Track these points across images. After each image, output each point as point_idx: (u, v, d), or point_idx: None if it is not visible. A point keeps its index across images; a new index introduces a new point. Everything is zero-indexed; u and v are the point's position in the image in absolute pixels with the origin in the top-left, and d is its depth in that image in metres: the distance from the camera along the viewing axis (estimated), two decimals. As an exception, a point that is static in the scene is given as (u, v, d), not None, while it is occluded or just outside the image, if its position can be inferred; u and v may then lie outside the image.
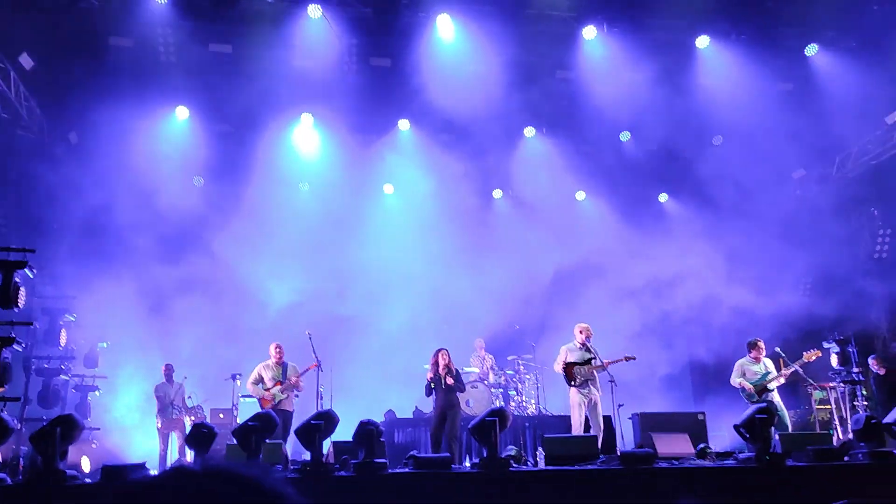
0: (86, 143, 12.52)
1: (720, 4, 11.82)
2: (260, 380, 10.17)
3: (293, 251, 13.53)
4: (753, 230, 13.76)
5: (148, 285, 12.59)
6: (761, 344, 10.59)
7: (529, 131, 14.56)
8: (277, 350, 10.33)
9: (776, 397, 10.22)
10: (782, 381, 10.36)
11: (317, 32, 11.82)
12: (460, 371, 10.26)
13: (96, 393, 11.47)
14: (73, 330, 11.42)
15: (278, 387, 10.08)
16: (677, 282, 14.16)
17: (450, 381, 9.61)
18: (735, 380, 10.54)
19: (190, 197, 13.55)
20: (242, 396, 11.36)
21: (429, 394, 9.80)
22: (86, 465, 10.25)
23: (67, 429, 6.00)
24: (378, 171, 14.50)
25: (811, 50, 12.35)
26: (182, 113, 13.08)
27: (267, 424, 6.43)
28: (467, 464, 9.56)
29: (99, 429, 11.12)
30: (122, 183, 12.27)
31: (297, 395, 10.47)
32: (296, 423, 7.63)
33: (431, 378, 9.72)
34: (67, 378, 11.25)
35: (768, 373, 10.39)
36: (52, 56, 11.27)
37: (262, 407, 9.72)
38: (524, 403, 12.59)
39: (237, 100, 12.29)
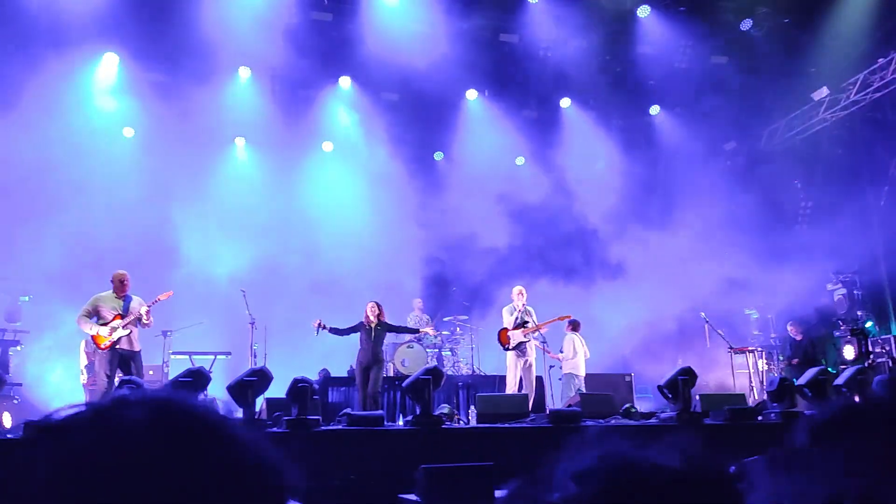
0: (7, 88, 11.87)
1: (662, -26, 11.99)
2: (95, 313, 8.53)
3: (228, 207, 13.24)
4: (685, 199, 14.16)
5: (74, 239, 12.12)
6: (517, 290, 10.36)
7: (472, 94, 14.51)
8: (122, 281, 8.68)
9: (530, 347, 10.18)
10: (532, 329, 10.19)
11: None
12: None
13: (18, 348, 11.07)
14: (-7, 283, 10.96)
15: (118, 320, 8.48)
16: (612, 247, 14.51)
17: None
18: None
19: (119, 148, 13.05)
20: (173, 353, 11.16)
21: (338, 332, 9.59)
22: (7, 421, 9.94)
23: (-14, 383, 5.81)
24: (317, 128, 14.25)
25: (745, 25, 12.66)
26: (111, 59, 12.50)
27: (199, 380, 6.37)
28: (400, 422, 9.69)
29: (21, 384, 10.77)
30: (44, 130, 11.69)
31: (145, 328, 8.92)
32: (224, 379, 7.50)
33: (359, 324, 9.61)
34: (-14, 332, 10.83)
35: (525, 322, 10.18)
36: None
37: (96, 345, 8.43)
38: (459, 363, 12.79)
39: (171, 48, 11.81)
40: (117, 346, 8.43)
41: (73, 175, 12.01)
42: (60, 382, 11.15)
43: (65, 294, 11.55)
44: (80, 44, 11.53)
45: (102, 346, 8.42)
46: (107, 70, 12.52)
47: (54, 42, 11.07)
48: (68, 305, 11.44)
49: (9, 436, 7.16)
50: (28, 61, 11.20)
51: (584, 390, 10.91)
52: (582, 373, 11.19)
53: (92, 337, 8.53)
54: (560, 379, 11.45)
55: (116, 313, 8.53)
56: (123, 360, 8.49)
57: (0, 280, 11.10)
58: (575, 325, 11.41)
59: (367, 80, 13.47)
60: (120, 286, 8.69)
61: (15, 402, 10.46)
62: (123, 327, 8.45)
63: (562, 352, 11.23)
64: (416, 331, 10.78)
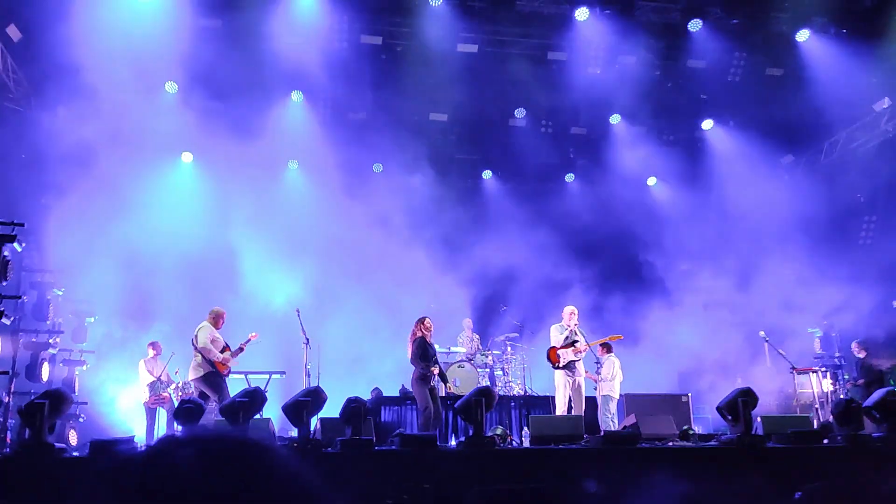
0: (74, 116, 12.39)
1: (713, -12, 11.84)
2: (213, 342, 9.53)
3: (281, 229, 13.50)
4: (741, 215, 13.85)
5: (136, 260, 12.54)
6: (569, 311, 10.26)
7: (520, 112, 14.52)
8: (223, 317, 9.90)
9: (579, 367, 10.06)
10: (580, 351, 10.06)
11: (308, 8, 11.75)
12: (446, 350, 10.28)
13: (84, 367, 11.46)
14: (61, 304, 11.38)
15: (228, 352, 9.65)
16: (663, 265, 14.27)
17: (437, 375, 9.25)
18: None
19: (179, 172, 13.50)
20: (230, 373, 11.35)
21: (421, 356, 9.26)
22: (73, 439, 10.28)
23: (56, 402, 6.03)
24: (367, 151, 14.45)
25: (802, 36, 12.38)
26: (172, 88, 12.95)
27: (255, 400, 6.48)
28: (453, 442, 9.65)
29: (86, 403, 11.13)
30: (111, 158, 12.16)
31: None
32: (279, 398, 7.63)
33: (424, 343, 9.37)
34: (55, 352, 11.24)
35: (575, 341, 10.09)
36: (40, 27, 11.11)
37: (219, 371, 9.39)
38: (510, 383, 12.69)
39: (227, 76, 12.17)
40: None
41: (135, 195, 12.47)
42: (124, 402, 11.48)
43: (129, 316, 11.94)
44: (138, 71, 11.97)
45: (224, 373, 9.49)
46: (168, 97, 12.98)
47: (116, 71, 11.52)
48: (132, 327, 11.82)
49: (75, 454, 7.39)
50: (94, 89, 11.68)
51: (615, 413, 10.72)
52: (617, 395, 10.97)
53: (215, 362, 9.37)
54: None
55: (225, 345, 9.59)
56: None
57: (69, 302, 11.52)
58: (609, 347, 11.19)
59: (416, 101, 13.61)
60: (221, 320, 9.79)
61: (81, 420, 10.82)
62: (233, 356, 9.69)
63: (598, 373, 11.04)
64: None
